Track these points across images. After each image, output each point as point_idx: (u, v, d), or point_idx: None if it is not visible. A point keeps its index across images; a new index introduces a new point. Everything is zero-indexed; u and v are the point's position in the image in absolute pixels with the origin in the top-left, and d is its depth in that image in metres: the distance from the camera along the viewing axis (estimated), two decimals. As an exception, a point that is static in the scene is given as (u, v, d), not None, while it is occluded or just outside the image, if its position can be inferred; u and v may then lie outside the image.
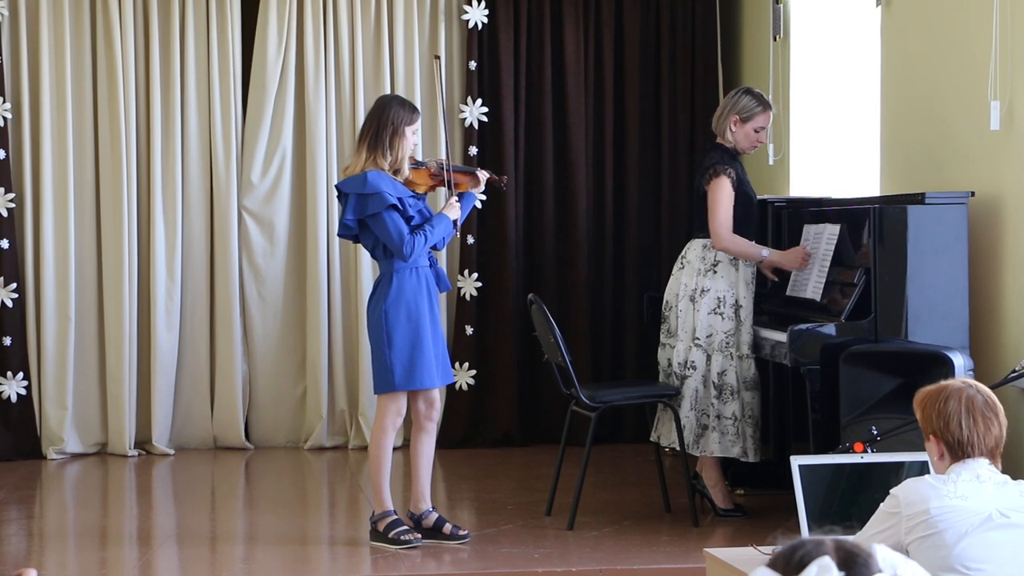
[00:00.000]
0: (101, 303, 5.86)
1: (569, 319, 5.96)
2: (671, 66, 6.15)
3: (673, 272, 4.66)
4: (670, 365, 4.55)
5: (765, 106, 4.55)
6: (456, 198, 4.23)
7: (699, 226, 4.57)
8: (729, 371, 4.44)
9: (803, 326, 4.08)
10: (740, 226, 4.48)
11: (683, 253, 4.64)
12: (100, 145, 5.86)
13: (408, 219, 4.13)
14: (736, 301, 4.47)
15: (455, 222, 4.23)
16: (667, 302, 4.63)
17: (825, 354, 4.00)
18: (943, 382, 2.50)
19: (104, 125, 5.84)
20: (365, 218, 4.10)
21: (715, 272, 4.49)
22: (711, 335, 4.45)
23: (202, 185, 5.93)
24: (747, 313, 4.49)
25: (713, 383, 4.44)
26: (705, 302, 4.46)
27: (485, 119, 6.00)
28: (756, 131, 4.53)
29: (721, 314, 4.46)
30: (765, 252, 4.46)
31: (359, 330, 5.92)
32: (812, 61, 5.50)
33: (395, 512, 4.22)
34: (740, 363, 4.47)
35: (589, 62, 6.10)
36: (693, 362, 4.46)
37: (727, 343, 4.44)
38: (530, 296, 4.60)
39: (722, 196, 4.44)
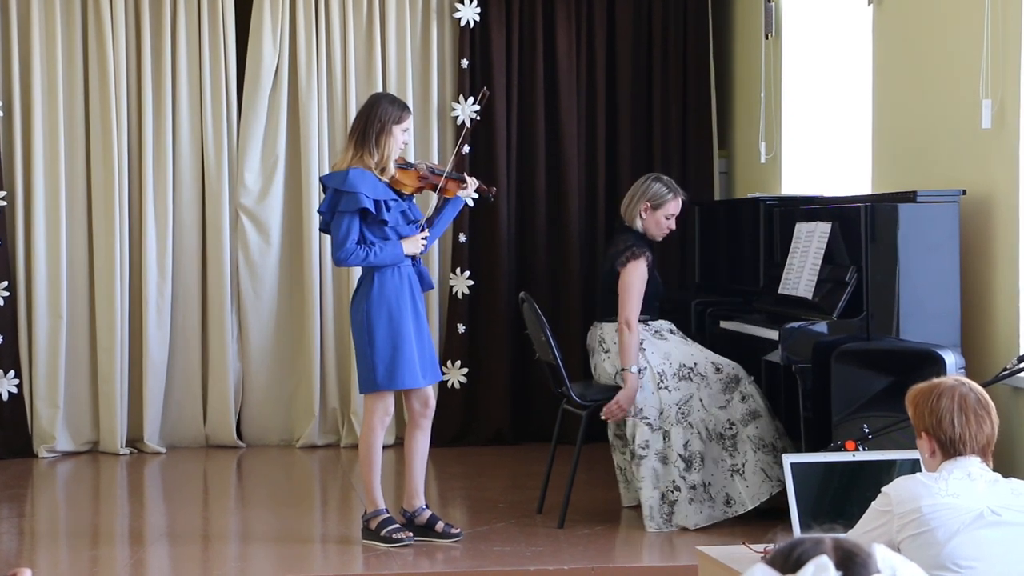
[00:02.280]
0: (93, 301, 5.84)
1: (561, 318, 5.95)
2: (663, 65, 6.14)
3: (594, 360, 4.50)
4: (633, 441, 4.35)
5: (675, 193, 4.49)
6: (425, 236, 4.20)
7: (609, 310, 4.44)
8: (693, 439, 4.30)
9: (795, 324, 4.08)
10: (646, 308, 4.41)
11: (599, 338, 4.46)
12: (91, 143, 5.84)
13: (382, 222, 4.10)
14: (682, 365, 4.36)
15: (413, 257, 4.16)
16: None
17: (817, 352, 4.00)
18: (935, 380, 2.49)
19: (95, 123, 5.82)
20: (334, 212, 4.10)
21: (643, 350, 4.36)
22: (662, 411, 4.32)
23: (194, 183, 5.92)
24: (706, 364, 4.37)
25: (681, 456, 4.29)
26: (645, 381, 4.32)
27: (477, 117, 5.99)
28: (667, 218, 4.48)
29: (667, 387, 4.34)
30: (635, 369, 4.29)
31: (350, 328, 5.90)
32: (804, 60, 5.50)
33: (387, 510, 4.21)
34: (717, 413, 4.35)
35: (581, 60, 6.09)
36: (647, 441, 4.30)
37: (683, 413, 4.31)
38: (521, 294, 4.58)
39: (636, 280, 4.35)
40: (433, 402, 4.28)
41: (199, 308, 5.92)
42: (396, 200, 4.15)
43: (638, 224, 4.49)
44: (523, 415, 6.07)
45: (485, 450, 5.91)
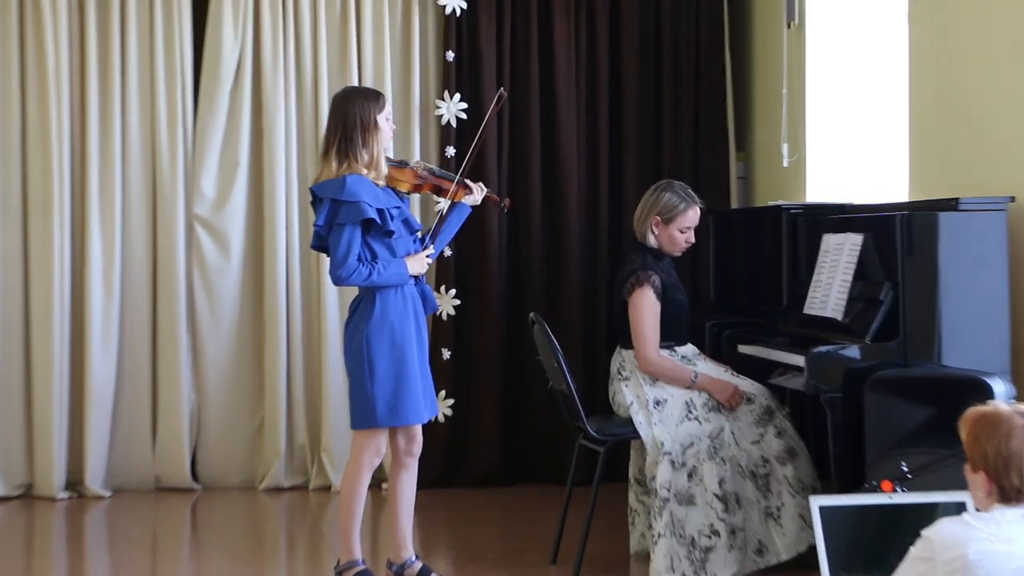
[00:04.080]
0: (27, 324, 5.82)
1: (560, 341, 5.90)
2: (673, 57, 6.15)
3: (612, 388, 4.54)
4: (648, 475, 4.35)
5: (689, 202, 4.52)
6: (429, 253, 4.23)
7: (627, 336, 4.49)
8: (727, 477, 4.29)
9: (823, 348, 4.07)
10: (670, 333, 4.45)
11: (619, 365, 4.52)
12: (28, 145, 5.82)
13: (388, 233, 4.11)
14: (711, 395, 4.39)
15: (416, 277, 4.19)
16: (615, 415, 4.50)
17: (848, 380, 3.99)
18: (999, 407, 2.47)
19: (32, 122, 5.80)
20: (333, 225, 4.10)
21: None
22: (691, 445, 4.31)
23: (144, 191, 5.91)
24: (744, 388, 4.41)
25: (717, 496, 4.26)
26: (670, 412, 4.35)
27: (464, 116, 6.00)
28: (681, 232, 4.51)
29: (697, 418, 4.35)
30: (696, 376, 4.36)
31: (322, 355, 5.90)
32: (831, 50, 5.51)
33: (363, 561, 4.20)
34: (750, 449, 4.35)
35: (581, 52, 6.10)
36: (669, 482, 4.26)
37: (715, 447, 4.32)
38: (532, 315, 4.60)
39: (644, 311, 4.39)
40: (420, 439, 4.29)
41: (149, 332, 5.90)
42: (398, 208, 4.17)
43: (651, 240, 4.51)
44: (516, 452, 6.05)
45: (473, 492, 5.89)
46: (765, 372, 4.52)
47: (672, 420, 4.35)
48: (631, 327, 4.43)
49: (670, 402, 4.38)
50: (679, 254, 4.60)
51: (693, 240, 4.58)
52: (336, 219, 4.06)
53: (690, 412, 4.36)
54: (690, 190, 4.60)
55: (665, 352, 4.45)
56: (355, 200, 4.03)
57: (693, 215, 4.53)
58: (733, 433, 4.36)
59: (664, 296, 4.45)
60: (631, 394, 4.43)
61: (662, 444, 4.30)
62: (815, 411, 4.45)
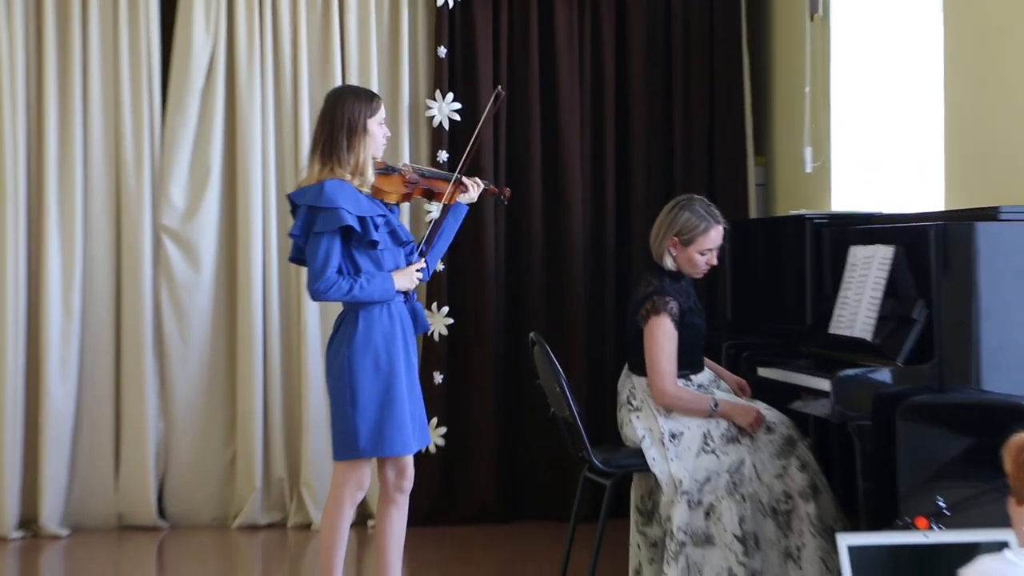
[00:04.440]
0: (-22, 347, 5.83)
1: (563, 363, 5.88)
2: (685, 51, 6.16)
3: (620, 415, 4.54)
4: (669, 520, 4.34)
5: (711, 222, 4.50)
6: (420, 267, 4.23)
7: (639, 363, 4.48)
8: (747, 515, 4.28)
9: (851, 372, 4.06)
10: (686, 361, 4.44)
11: (628, 391, 4.51)
12: (-22, 151, 5.84)
13: (372, 244, 4.10)
14: (730, 426, 4.37)
15: (405, 293, 4.19)
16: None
17: (878, 406, 3.98)
18: None
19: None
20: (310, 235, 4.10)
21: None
22: (708, 480, 4.31)
23: (107, 201, 5.93)
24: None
25: (736, 537, 4.25)
26: (687, 445, 4.34)
27: (458, 117, 6.01)
28: (702, 254, 4.50)
29: (714, 451, 4.34)
30: (715, 404, 4.36)
31: (302, 379, 5.90)
32: (859, 44, 5.52)
33: (344, 607, 4.18)
34: (772, 483, 4.34)
35: (585, 47, 6.11)
36: (686, 523, 4.26)
37: (735, 483, 4.30)
38: (532, 335, 4.58)
39: (662, 340, 4.38)
40: (411, 472, 4.29)
41: (112, 355, 5.90)
42: (384, 216, 4.16)
43: (668, 263, 4.50)
44: (515, 486, 6.05)
45: (468, 530, 5.89)
46: (786, 397, 4.52)
47: (690, 454, 4.34)
48: (646, 358, 4.42)
49: (687, 435, 4.36)
50: (700, 276, 4.58)
51: (715, 262, 4.56)
52: (313, 227, 4.06)
53: (707, 444, 4.35)
54: (713, 208, 4.57)
55: (681, 383, 4.43)
56: (333, 207, 4.03)
57: (715, 235, 4.51)
58: (755, 466, 4.33)
59: (681, 322, 4.43)
60: (643, 427, 4.40)
61: (680, 482, 4.28)
62: (841, 440, 4.44)
